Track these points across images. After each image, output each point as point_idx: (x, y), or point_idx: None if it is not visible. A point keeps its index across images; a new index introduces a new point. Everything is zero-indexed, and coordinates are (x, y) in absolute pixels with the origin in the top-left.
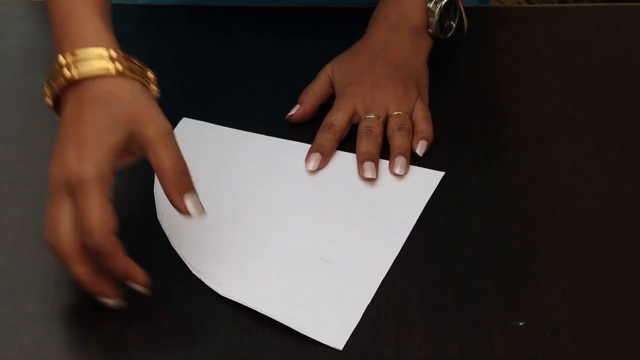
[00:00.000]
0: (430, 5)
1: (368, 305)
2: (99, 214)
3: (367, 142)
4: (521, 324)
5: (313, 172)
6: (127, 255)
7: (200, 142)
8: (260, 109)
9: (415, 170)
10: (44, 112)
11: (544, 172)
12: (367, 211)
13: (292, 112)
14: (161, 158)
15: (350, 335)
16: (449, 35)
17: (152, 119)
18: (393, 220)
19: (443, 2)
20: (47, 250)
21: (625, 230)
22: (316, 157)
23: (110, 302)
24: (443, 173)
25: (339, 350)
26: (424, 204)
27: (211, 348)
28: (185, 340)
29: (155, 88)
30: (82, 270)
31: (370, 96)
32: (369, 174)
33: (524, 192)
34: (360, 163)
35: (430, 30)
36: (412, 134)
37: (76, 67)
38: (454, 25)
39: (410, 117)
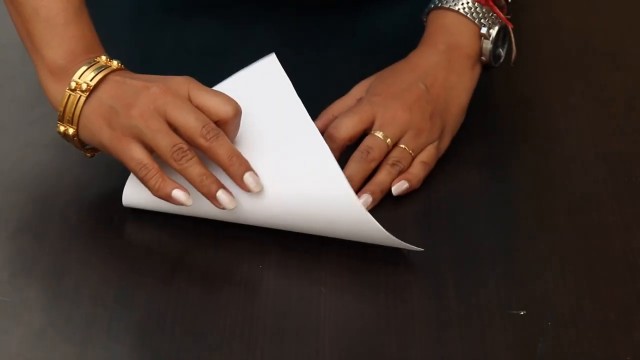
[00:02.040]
0: (484, 31)
1: (369, 296)
2: (218, 99)
3: (356, 167)
4: (522, 313)
5: None
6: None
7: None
8: None
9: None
10: (44, 101)
11: (544, 161)
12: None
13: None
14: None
15: (351, 325)
16: (498, 64)
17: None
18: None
19: (497, 27)
20: (47, 239)
21: (626, 218)
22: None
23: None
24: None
25: (340, 342)
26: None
27: (212, 339)
28: (184, 331)
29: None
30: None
31: (392, 116)
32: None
33: (524, 181)
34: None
35: (483, 58)
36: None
37: (92, 78)
38: (503, 53)
39: (413, 157)
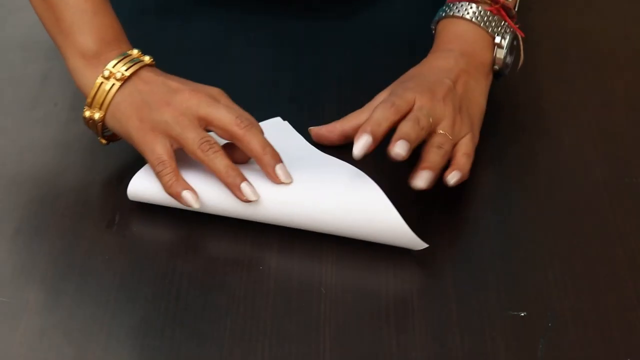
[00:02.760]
0: (498, 40)
1: (369, 297)
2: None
3: (412, 126)
4: (522, 314)
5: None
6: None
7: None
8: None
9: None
10: (43, 102)
11: (544, 161)
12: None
13: (315, 128)
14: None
15: (352, 326)
16: (507, 71)
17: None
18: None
19: (509, 37)
20: (48, 240)
21: (626, 219)
22: (365, 141)
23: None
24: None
25: (340, 342)
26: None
27: (212, 339)
28: (185, 331)
29: (148, 59)
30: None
31: (429, 100)
32: (398, 149)
33: (524, 181)
34: (395, 139)
35: (496, 67)
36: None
37: (121, 71)
38: (511, 62)
39: (454, 144)
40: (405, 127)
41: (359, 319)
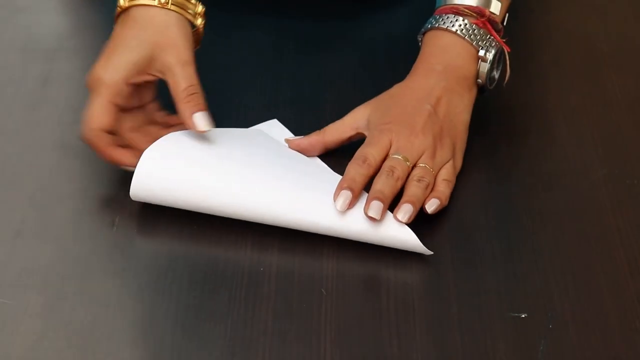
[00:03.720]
0: (482, 54)
1: (370, 298)
2: (96, 112)
3: (384, 182)
4: (523, 315)
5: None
6: (112, 145)
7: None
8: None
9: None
10: (44, 104)
11: (545, 162)
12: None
13: (294, 140)
14: (176, 81)
15: (352, 327)
16: (492, 86)
17: (176, 47)
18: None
19: (494, 51)
20: (49, 242)
21: (626, 220)
22: (345, 196)
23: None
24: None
25: (341, 344)
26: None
27: (213, 341)
28: (185, 333)
29: (200, 21)
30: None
31: (406, 140)
32: (372, 213)
33: (525, 182)
34: (369, 199)
35: (479, 80)
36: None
37: None
38: (497, 76)
39: (434, 175)
40: (378, 185)
41: (360, 320)
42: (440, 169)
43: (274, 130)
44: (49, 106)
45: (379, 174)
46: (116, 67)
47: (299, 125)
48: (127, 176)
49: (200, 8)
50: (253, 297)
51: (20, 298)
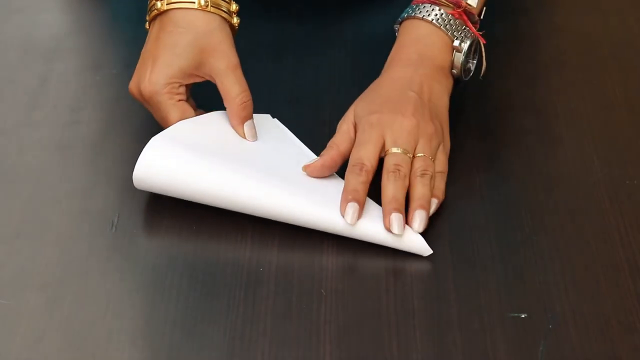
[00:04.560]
0: (457, 44)
1: (369, 299)
2: (175, 116)
3: (395, 186)
4: (523, 316)
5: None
6: None
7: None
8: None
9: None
10: (43, 104)
11: (545, 162)
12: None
13: (310, 163)
14: (228, 88)
15: (352, 328)
16: (467, 77)
17: (223, 51)
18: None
19: (469, 41)
20: (48, 242)
21: (626, 220)
22: (353, 209)
23: None
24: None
25: (341, 344)
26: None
27: (212, 342)
28: (185, 333)
29: (236, 20)
30: None
31: (399, 125)
32: (395, 230)
33: (525, 183)
34: (386, 213)
35: (454, 71)
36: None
37: (167, 1)
38: (473, 67)
39: (433, 161)
40: (390, 190)
41: (360, 320)
42: (435, 157)
43: (267, 124)
44: (48, 106)
45: (385, 177)
46: (166, 73)
47: (299, 125)
48: (126, 177)
49: (234, 6)
50: (253, 297)
51: (19, 298)
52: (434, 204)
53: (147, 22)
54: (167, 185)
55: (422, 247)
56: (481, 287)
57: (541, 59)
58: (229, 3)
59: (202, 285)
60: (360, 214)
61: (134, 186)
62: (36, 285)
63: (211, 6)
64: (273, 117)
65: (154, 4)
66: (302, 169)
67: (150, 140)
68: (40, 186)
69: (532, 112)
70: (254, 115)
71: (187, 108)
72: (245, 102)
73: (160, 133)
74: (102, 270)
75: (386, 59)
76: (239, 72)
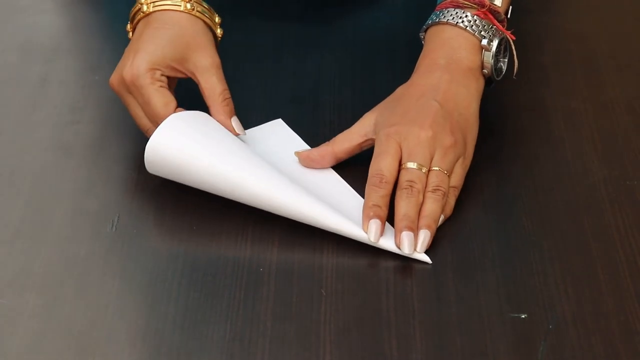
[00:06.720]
0: (485, 43)
1: (369, 299)
2: (159, 100)
3: (408, 203)
4: (523, 316)
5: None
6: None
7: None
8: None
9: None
10: (43, 104)
11: (544, 163)
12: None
13: (303, 152)
14: (213, 85)
15: (352, 328)
16: (500, 77)
17: (208, 50)
18: None
19: (497, 40)
20: (48, 242)
21: (626, 221)
22: (376, 225)
23: None
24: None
25: (341, 345)
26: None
27: (212, 342)
28: (184, 334)
29: (219, 31)
30: None
31: (416, 139)
32: (406, 249)
33: (525, 183)
34: (398, 231)
35: (485, 71)
36: None
37: (152, 3)
38: (504, 67)
39: (449, 176)
40: (403, 208)
41: (360, 321)
42: (452, 171)
43: (278, 130)
44: (48, 106)
45: (399, 193)
46: (147, 58)
47: (299, 125)
48: (126, 177)
49: (217, 18)
50: (252, 297)
51: (19, 298)
52: (439, 220)
53: (130, 25)
54: (179, 161)
55: (422, 258)
56: (481, 287)
57: (541, 59)
58: (213, 14)
59: (202, 285)
60: (382, 230)
61: (134, 186)
62: (36, 285)
63: (197, 11)
64: (274, 118)
65: (139, 9)
66: (294, 154)
67: (167, 119)
68: (40, 186)
69: (532, 112)
70: (268, 122)
71: (170, 95)
72: (228, 98)
73: (175, 114)
74: (102, 270)
75: (386, 58)
76: (221, 72)
